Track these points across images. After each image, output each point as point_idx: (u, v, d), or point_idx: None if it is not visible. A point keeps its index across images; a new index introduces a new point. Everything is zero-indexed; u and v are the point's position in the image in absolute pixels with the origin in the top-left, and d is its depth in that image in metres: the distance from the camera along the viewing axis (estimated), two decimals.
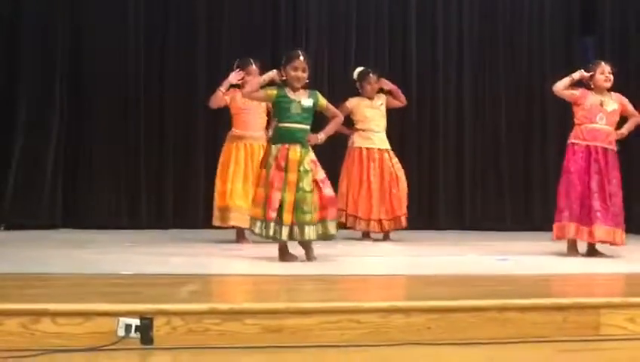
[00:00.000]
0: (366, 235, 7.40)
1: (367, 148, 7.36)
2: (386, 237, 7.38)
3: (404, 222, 7.33)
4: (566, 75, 6.25)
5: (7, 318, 3.40)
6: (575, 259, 5.99)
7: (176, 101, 8.45)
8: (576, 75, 6.18)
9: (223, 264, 5.51)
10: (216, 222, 6.83)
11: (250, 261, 5.61)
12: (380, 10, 8.92)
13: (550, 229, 6.25)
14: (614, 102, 6.16)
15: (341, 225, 6.35)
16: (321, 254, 5.58)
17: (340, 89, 7.91)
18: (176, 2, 8.54)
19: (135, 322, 3.43)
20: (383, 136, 7.44)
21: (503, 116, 9.07)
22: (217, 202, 6.80)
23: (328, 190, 5.46)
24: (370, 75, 7.44)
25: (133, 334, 3.43)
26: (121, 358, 3.34)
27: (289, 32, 8.64)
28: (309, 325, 3.59)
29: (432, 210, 8.86)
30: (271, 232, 5.33)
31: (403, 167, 7.48)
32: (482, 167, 9.05)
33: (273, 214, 5.30)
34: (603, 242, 6.06)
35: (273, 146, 5.42)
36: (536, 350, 3.63)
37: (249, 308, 3.64)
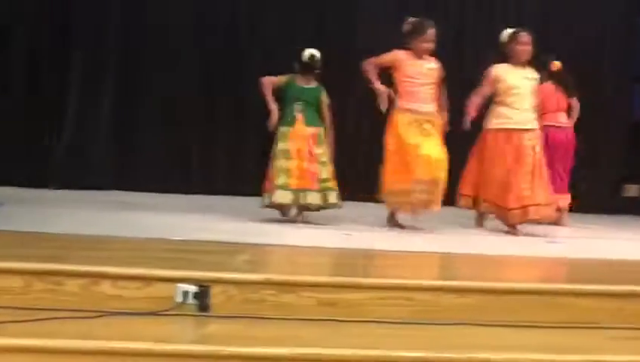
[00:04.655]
0: None
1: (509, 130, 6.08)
2: None
3: None
4: None
5: (68, 279, 3.49)
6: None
7: (228, 67, 8.44)
8: None
9: (277, 233, 5.49)
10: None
11: (305, 231, 5.63)
12: None
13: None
14: None
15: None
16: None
17: None
18: None
19: (193, 289, 3.49)
20: (530, 114, 6.13)
21: None
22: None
23: None
24: (522, 33, 6.12)
25: (190, 301, 3.49)
26: (177, 324, 3.40)
27: None
28: (363, 300, 3.63)
29: None
30: None
31: None
32: None
33: None
34: None
35: None
36: (588, 336, 3.61)
37: (305, 280, 3.68)
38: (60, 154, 8.09)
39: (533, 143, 6.03)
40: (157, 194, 7.67)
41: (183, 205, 6.90)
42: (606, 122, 8.50)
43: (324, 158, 6.09)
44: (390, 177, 5.87)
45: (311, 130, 6.11)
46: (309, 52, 6.24)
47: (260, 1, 8.49)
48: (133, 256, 4.15)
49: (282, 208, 6.15)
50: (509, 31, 6.17)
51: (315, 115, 6.19)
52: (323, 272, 4.07)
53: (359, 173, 7.93)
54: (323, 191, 6.02)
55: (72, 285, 3.48)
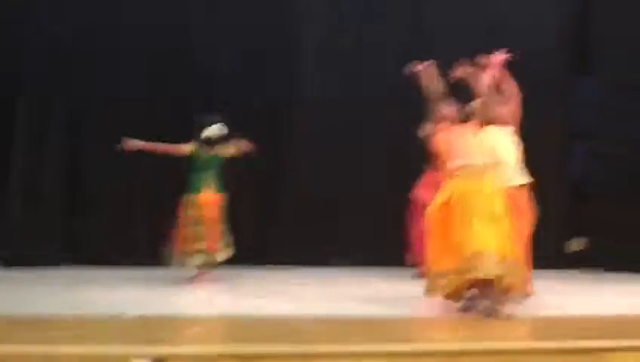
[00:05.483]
0: None
1: None
2: None
3: None
4: None
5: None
6: None
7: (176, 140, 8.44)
8: None
9: (227, 303, 5.52)
10: None
11: (259, 300, 5.61)
12: None
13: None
14: None
15: None
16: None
17: None
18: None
19: None
20: None
21: None
22: None
23: None
24: None
25: None
26: None
27: None
28: None
29: None
30: None
31: None
32: None
33: None
34: None
35: None
36: None
37: (262, 352, 3.65)
38: (7, 230, 7.98)
39: None
40: (105, 267, 7.61)
41: (130, 278, 6.85)
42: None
43: (223, 221, 6.65)
44: None
45: (215, 196, 6.65)
46: (206, 134, 6.71)
47: None
48: (86, 334, 4.09)
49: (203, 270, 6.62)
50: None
51: (217, 181, 6.71)
52: (277, 341, 4.01)
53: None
54: (225, 250, 6.63)
55: None
